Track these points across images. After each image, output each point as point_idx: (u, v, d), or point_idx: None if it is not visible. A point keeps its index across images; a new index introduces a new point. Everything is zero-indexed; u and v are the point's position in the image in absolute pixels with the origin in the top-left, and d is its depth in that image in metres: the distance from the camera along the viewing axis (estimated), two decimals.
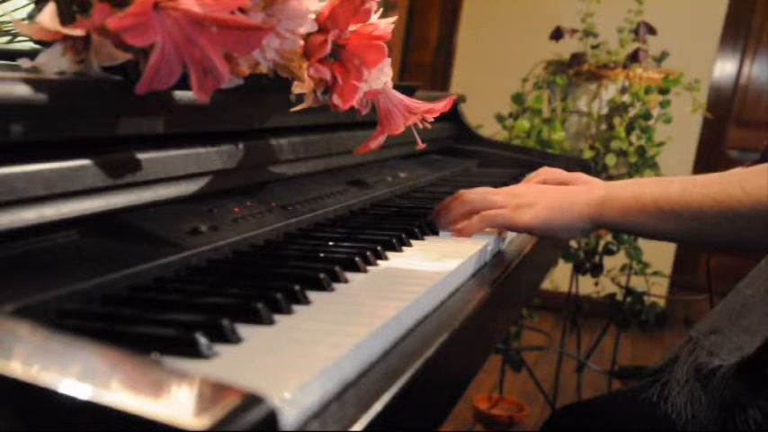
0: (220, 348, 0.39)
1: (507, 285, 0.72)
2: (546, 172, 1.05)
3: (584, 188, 0.75)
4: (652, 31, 1.97)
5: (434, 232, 0.79)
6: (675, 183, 0.71)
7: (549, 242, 0.98)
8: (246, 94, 0.69)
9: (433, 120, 0.80)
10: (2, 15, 0.68)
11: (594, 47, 2.03)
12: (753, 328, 0.84)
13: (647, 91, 1.90)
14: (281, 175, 0.81)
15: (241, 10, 0.55)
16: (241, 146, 0.72)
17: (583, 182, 1.01)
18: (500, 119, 2.01)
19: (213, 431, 0.26)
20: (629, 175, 1.92)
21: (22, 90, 0.47)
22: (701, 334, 0.91)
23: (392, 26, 0.71)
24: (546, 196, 0.75)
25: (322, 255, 0.62)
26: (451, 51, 3.40)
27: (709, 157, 3.13)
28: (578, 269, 2.05)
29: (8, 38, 0.70)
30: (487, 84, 2.90)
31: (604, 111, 1.95)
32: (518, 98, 2.00)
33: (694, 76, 2.02)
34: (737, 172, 0.70)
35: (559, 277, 2.49)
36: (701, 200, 0.68)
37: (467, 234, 0.75)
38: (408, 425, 0.45)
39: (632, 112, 1.91)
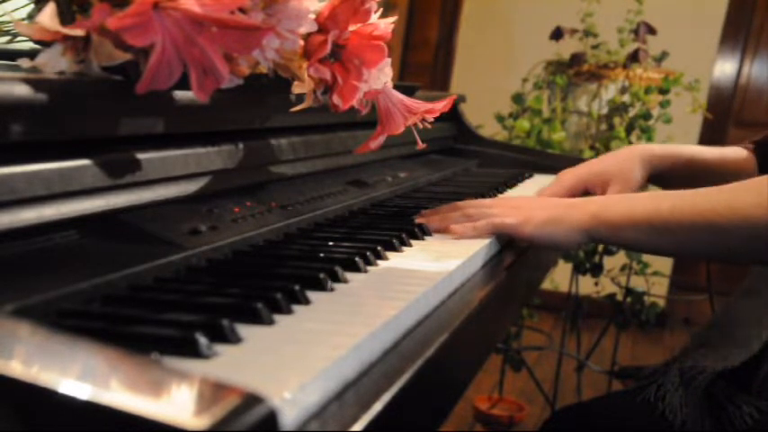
0: (220, 348, 0.39)
1: (507, 285, 0.72)
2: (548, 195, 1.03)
3: (579, 202, 0.76)
4: (652, 31, 1.97)
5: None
6: (667, 199, 0.71)
7: None
8: (246, 94, 0.69)
9: (432, 120, 0.80)
10: (2, 15, 0.68)
11: (594, 47, 2.03)
12: (740, 341, 0.85)
13: (647, 91, 1.90)
14: (281, 175, 0.81)
15: (241, 10, 0.55)
16: (241, 146, 0.72)
17: (593, 175, 1.00)
18: (500, 119, 2.01)
19: (213, 431, 0.26)
20: None
21: (22, 90, 0.47)
22: (692, 347, 0.92)
23: (392, 26, 0.71)
24: (544, 208, 0.76)
25: (322, 255, 0.62)
26: (451, 51, 3.40)
27: None
28: (578, 269, 2.05)
29: (8, 38, 0.70)
30: (487, 84, 2.90)
31: (604, 111, 1.95)
32: (518, 98, 2.00)
33: (694, 76, 2.02)
34: (726, 188, 0.70)
35: (559, 277, 2.49)
36: (690, 217, 0.69)
37: (468, 235, 0.76)
38: (408, 425, 0.45)
39: (632, 112, 1.91)
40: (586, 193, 1.02)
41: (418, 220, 0.79)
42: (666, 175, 1.04)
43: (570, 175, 1.03)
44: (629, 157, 1.02)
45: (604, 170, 1.01)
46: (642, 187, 1.04)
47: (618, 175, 1.00)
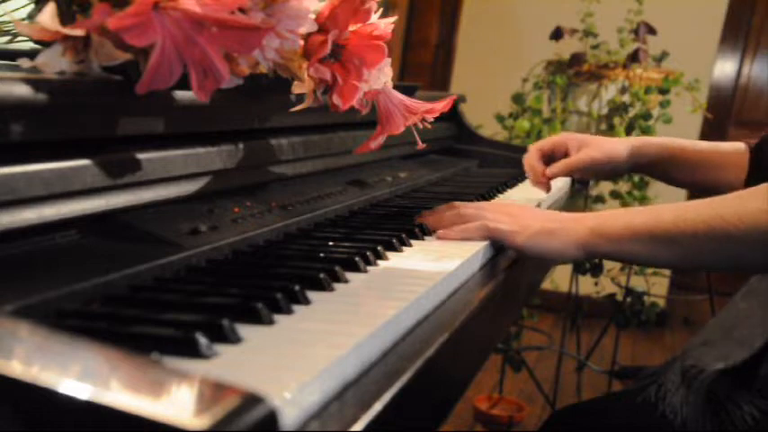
0: (220, 348, 0.39)
1: (507, 285, 0.72)
2: (536, 143, 1.11)
3: (576, 216, 0.75)
4: (652, 31, 1.97)
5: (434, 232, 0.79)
6: (668, 210, 0.70)
7: None
8: (246, 94, 0.69)
9: (432, 120, 0.80)
10: (2, 15, 0.68)
11: (594, 47, 2.03)
12: (742, 339, 0.85)
13: (647, 91, 1.91)
14: (281, 175, 0.81)
15: (241, 10, 0.55)
16: (241, 146, 0.72)
17: (574, 139, 1.08)
18: (500, 119, 2.01)
19: (213, 431, 0.26)
20: (629, 175, 1.92)
21: (22, 90, 0.47)
22: (693, 345, 0.92)
23: (392, 26, 0.71)
24: (539, 220, 0.75)
25: (322, 255, 0.62)
26: (451, 51, 3.41)
27: None
28: (578, 269, 2.05)
29: (8, 38, 0.70)
30: (487, 84, 2.90)
31: (604, 111, 1.95)
32: (518, 98, 2.00)
33: (694, 76, 2.02)
34: (730, 196, 0.69)
35: (559, 277, 2.50)
36: (694, 226, 0.67)
37: (460, 237, 0.75)
38: (408, 425, 0.45)
39: (632, 112, 1.91)
40: (565, 153, 1.09)
41: (417, 221, 0.78)
42: (656, 163, 1.06)
43: (558, 134, 1.11)
44: (618, 138, 1.08)
45: (588, 138, 1.08)
46: (625, 170, 1.09)
47: (598, 142, 1.06)
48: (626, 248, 0.71)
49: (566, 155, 1.08)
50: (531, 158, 1.09)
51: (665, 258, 0.71)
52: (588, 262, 2.02)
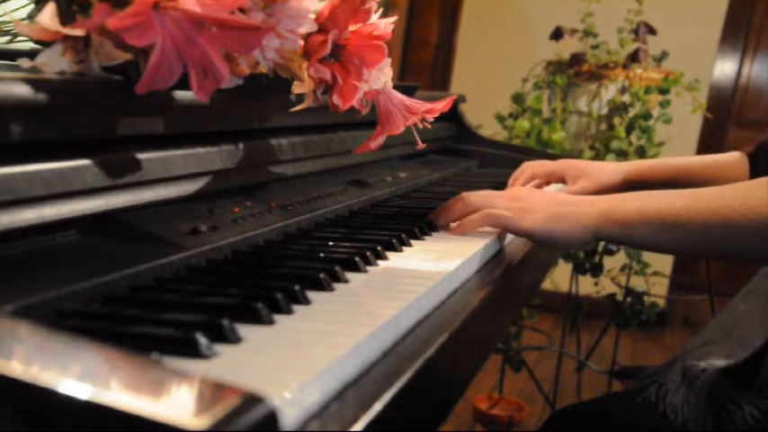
0: (220, 348, 0.39)
1: (507, 285, 0.72)
2: (532, 167, 1.11)
3: (587, 199, 0.75)
4: (652, 31, 1.97)
5: (435, 231, 0.79)
6: (679, 197, 0.70)
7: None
8: (246, 94, 0.69)
9: (432, 120, 0.80)
10: (2, 15, 0.68)
11: (594, 47, 2.03)
12: (742, 339, 0.85)
13: (647, 91, 1.91)
14: (281, 175, 0.81)
15: (241, 10, 0.55)
16: (241, 146, 0.72)
17: (571, 168, 1.10)
18: (500, 119, 2.01)
19: (213, 431, 0.26)
20: None
21: (22, 90, 0.47)
22: (694, 346, 0.92)
23: (392, 26, 0.71)
24: (548, 204, 0.75)
25: (322, 255, 0.62)
26: (451, 51, 3.41)
27: None
28: (578, 269, 2.05)
29: (8, 38, 0.70)
30: (487, 84, 2.90)
31: (604, 111, 1.95)
32: (518, 98, 2.00)
33: (694, 76, 2.02)
34: (740, 185, 0.69)
35: (559, 277, 2.49)
36: (705, 214, 0.68)
37: (467, 230, 0.76)
38: (408, 425, 0.45)
39: (632, 112, 1.91)
40: (561, 180, 1.12)
41: (430, 219, 0.79)
42: (652, 182, 1.08)
43: (560, 161, 1.13)
44: (615, 165, 1.11)
45: (584, 167, 1.10)
46: (614, 191, 1.11)
47: (594, 173, 1.09)
48: (635, 233, 0.71)
49: (561, 181, 1.12)
50: (516, 181, 1.12)
51: (670, 244, 0.71)
52: (588, 262, 2.02)
